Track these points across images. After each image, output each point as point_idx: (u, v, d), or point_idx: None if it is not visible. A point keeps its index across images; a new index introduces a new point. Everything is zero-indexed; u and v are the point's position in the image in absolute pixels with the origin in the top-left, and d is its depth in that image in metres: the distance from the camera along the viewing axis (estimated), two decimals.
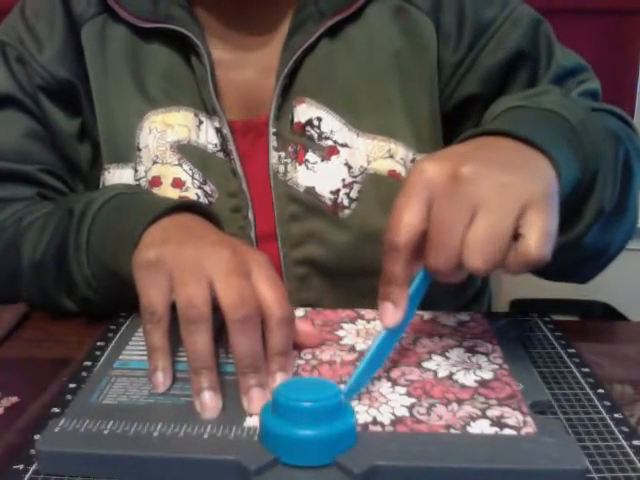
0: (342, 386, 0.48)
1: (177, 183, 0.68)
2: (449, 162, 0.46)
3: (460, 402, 0.46)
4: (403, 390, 0.48)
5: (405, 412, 0.45)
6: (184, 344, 0.46)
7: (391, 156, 0.68)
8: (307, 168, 0.68)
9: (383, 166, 0.68)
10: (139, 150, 0.69)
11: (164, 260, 0.49)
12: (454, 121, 0.71)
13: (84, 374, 0.52)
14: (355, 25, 0.69)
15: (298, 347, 0.53)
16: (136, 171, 0.69)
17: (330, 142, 0.68)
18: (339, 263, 0.69)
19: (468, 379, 0.49)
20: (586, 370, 0.53)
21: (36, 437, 0.43)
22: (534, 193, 0.45)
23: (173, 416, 0.45)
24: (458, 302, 0.78)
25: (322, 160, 0.68)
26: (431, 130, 0.70)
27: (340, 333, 0.56)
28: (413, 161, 0.69)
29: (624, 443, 0.44)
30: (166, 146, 0.68)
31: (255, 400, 0.45)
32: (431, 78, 0.69)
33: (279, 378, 0.47)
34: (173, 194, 0.68)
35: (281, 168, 0.68)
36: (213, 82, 0.68)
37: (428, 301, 0.69)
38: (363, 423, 0.44)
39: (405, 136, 0.69)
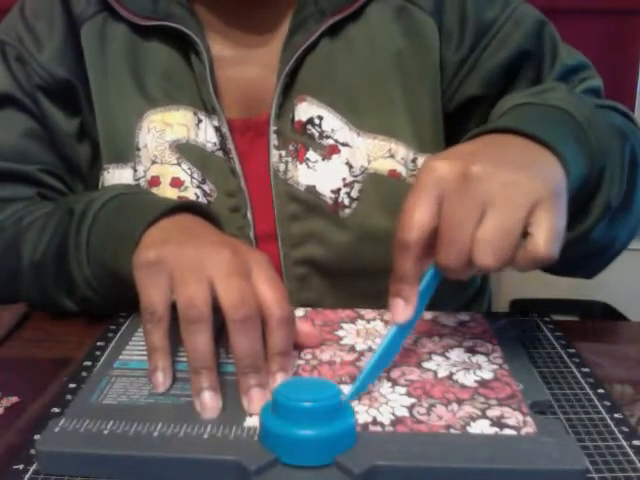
0: (342, 386, 0.48)
1: (176, 182, 0.68)
2: (459, 161, 0.46)
3: (460, 402, 0.46)
4: (403, 390, 0.48)
5: (405, 412, 0.45)
6: (184, 344, 0.46)
7: (392, 156, 0.68)
8: (308, 167, 0.68)
9: (384, 166, 0.68)
10: (138, 150, 0.69)
11: (164, 260, 0.49)
12: (457, 121, 0.71)
13: (84, 374, 0.52)
14: (356, 24, 0.69)
15: (298, 347, 0.53)
16: (135, 171, 0.69)
17: (331, 141, 0.68)
18: (339, 263, 0.68)
19: (468, 379, 0.49)
20: (586, 370, 0.53)
21: (36, 437, 0.43)
22: (543, 192, 0.45)
23: (173, 416, 0.45)
24: (458, 302, 0.78)
25: (323, 159, 0.68)
26: (433, 130, 0.70)
27: (340, 333, 0.56)
28: (414, 161, 0.69)
29: (624, 443, 0.44)
30: (165, 145, 0.68)
31: (255, 400, 0.45)
32: (433, 78, 0.69)
33: (279, 378, 0.47)
34: (172, 194, 0.68)
35: (281, 167, 0.68)
36: (212, 80, 0.67)
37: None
38: (363, 423, 0.44)
39: (406, 136, 0.69)
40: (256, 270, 0.49)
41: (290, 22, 0.68)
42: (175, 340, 0.49)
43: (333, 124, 0.68)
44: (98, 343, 0.56)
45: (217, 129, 0.69)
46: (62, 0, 0.71)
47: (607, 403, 0.48)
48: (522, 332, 0.59)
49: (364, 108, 0.68)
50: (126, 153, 0.70)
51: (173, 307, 0.48)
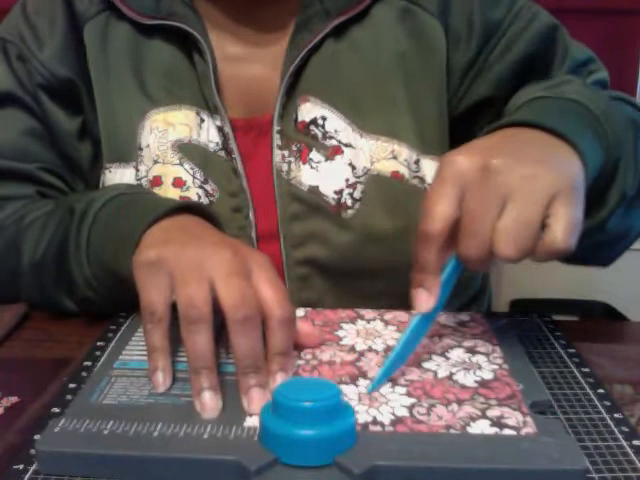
0: (342, 386, 0.48)
1: (178, 183, 0.68)
2: (479, 154, 0.48)
3: (460, 402, 0.46)
4: (403, 390, 0.48)
5: (405, 412, 0.45)
6: (184, 344, 0.46)
7: (394, 157, 0.68)
8: (311, 167, 0.68)
9: (386, 167, 0.68)
10: (140, 150, 0.69)
11: (165, 260, 0.49)
12: (467, 124, 0.71)
13: (84, 374, 0.52)
14: (360, 26, 0.69)
15: (298, 347, 0.53)
16: (137, 170, 0.69)
17: (334, 142, 0.68)
18: (341, 263, 0.68)
19: (468, 379, 0.49)
20: (586, 370, 0.53)
21: (36, 437, 0.43)
22: (561, 185, 0.46)
23: (173, 416, 0.45)
24: (458, 302, 0.78)
25: (326, 160, 0.68)
26: (437, 132, 0.70)
27: (340, 333, 0.56)
28: (417, 162, 0.69)
29: (624, 443, 0.44)
30: (167, 145, 0.68)
31: (255, 400, 0.45)
32: (439, 81, 0.69)
33: (279, 378, 0.47)
34: (174, 194, 0.68)
35: (284, 167, 0.68)
36: (215, 79, 0.67)
37: None
38: (363, 423, 0.44)
39: (409, 137, 0.69)
40: (256, 270, 0.49)
41: (294, 21, 0.68)
42: (175, 340, 0.49)
43: (336, 125, 0.68)
44: (98, 343, 0.56)
45: (219, 129, 0.68)
46: None
47: (607, 403, 0.48)
48: (522, 332, 0.59)
49: (367, 109, 0.68)
50: (128, 153, 0.70)
51: (173, 307, 0.48)
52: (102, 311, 0.62)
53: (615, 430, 0.45)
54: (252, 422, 0.44)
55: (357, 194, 0.68)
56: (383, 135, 0.68)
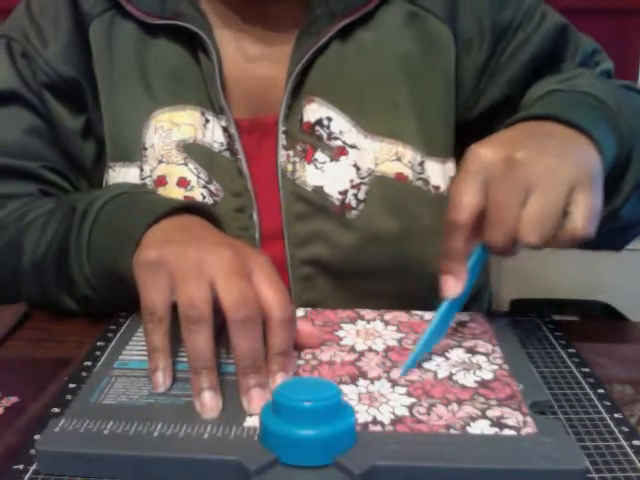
0: (342, 386, 0.48)
1: (182, 182, 0.68)
2: (503, 147, 0.50)
3: (460, 402, 0.46)
4: (403, 390, 0.48)
5: (405, 412, 0.45)
6: (185, 344, 0.46)
7: (399, 159, 0.68)
8: (316, 167, 0.68)
9: (390, 169, 0.68)
10: (145, 149, 0.69)
11: (166, 260, 0.49)
12: (485, 126, 0.71)
13: (84, 374, 0.52)
14: (366, 28, 0.69)
15: (299, 347, 0.53)
16: (142, 170, 0.69)
17: (339, 142, 0.68)
18: (344, 264, 0.68)
19: (468, 379, 0.49)
20: (586, 370, 0.53)
21: (36, 437, 0.43)
22: (581, 175, 0.49)
23: (173, 416, 0.45)
24: None
25: (331, 160, 0.68)
26: (442, 135, 0.70)
27: (340, 334, 0.56)
28: (421, 164, 0.69)
29: (624, 443, 0.44)
30: (172, 145, 0.68)
31: (255, 400, 0.45)
32: (446, 84, 0.70)
33: (279, 378, 0.47)
34: (178, 193, 0.68)
35: (289, 167, 0.68)
36: (221, 80, 0.67)
37: (428, 301, 0.69)
38: (363, 423, 0.44)
39: (413, 139, 0.69)
40: (257, 271, 0.49)
41: (300, 22, 0.68)
42: (175, 340, 0.49)
43: (341, 126, 0.68)
44: (98, 343, 0.56)
45: (225, 129, 0.68)
46: None
47: (607, 403, 0.48)
48: (522, 332, 0.59)
49: (372, 111, 0.68)
50: (132, 152, 0.69)
51: (174, 307, 0.48)
52: (102, 311, 0.62)
53: (615, 430, 0.45)
54: (252, 422, 0.44)
55: (361, 195, 0.68)
56: (387, 137, 0.68)
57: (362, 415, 0.44)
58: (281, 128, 0.68)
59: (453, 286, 0.51)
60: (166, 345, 0.48)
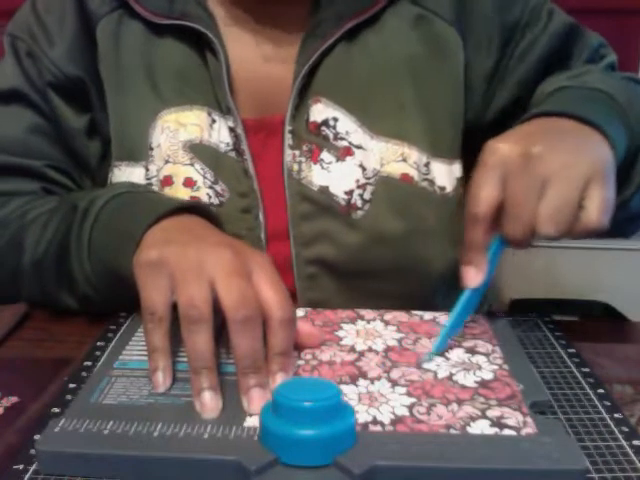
0: (342, 386, 0.48)
1: (188, 183, 0.68)
2: (520, 142, 0.52)
3: (460, 402, 0.46)
4: (403, 390, 0.48)
5: (405, 411, 0.45)
6: (185, 344, 0.46)
7: (404, 160, 0.68)
8: (322, 167, 0.68)
9: (396, 169, 0.68)
10: (151, 149, 0.69)
11: (166, 261, 0.49)
12: (500, 126, 0.71)
13: (84, 374, 0.52)
14: (372, 29, 0.69)
15: (299, 347, 0.53)
16: (147, 170, 0.69)
17: (345, 143, 0.68)
18: (349, 263, 0.69)
19: (468, 380, 0.49)
20: (586, 370, 0.53)
21: (36, 437, 0.43)
22: (595, 170, 0.52)
23: (173, 416, 0.45)
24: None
25: (337, 160, 0.68)
26: (449, 136, 0.70)
27: (340, 334, 0.56)
28: (427, 165, 0.69)
29: (624, 443, 0.44)
30: (178, 145, 0.68)
31: (255, 400, 0.45)
32: (454, 86, 0.70)
33: (279, 378, 0.47)
34: (184, 194, 0.68)
35: (295, 166, 0.68)
36: (228, 80, 0.67)
37: (428, 301, 0.69)
38: (363, 423, 0.44)
39: (419, 140, 0.69)
40: (257, 271, 0.49)
41: (307, 23, 0.68)
42: (175, 340, 0.49)
43: (348, 126, 0.68)
44: (98, 343, 0.56)
45: (231, 130, 0.68)
46: None
47: (607, 403, 0.48)
48: (522, 332, 0.59)
49: (378, 112, 0.69)
50: (138, 152, 0.69)
51: (174, 307, 0.48)
52: (102, 310, 0.62)
53: (615, 430, 0.45)
54: (252, 422, 0.44)
55: (367, 195, 0.68)
56: (393, 138, 0.68)
57: (362, 415, 0.44)
58: (287, 128, 0.68)
59: (474, 276, 0.53)
60: (166, 345, 0.48)
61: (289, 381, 0.45)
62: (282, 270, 0.68)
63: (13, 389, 0.52)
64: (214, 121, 0.68)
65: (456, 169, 0.71)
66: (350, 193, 0.68)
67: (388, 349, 0.54)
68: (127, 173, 0.70)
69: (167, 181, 0.68)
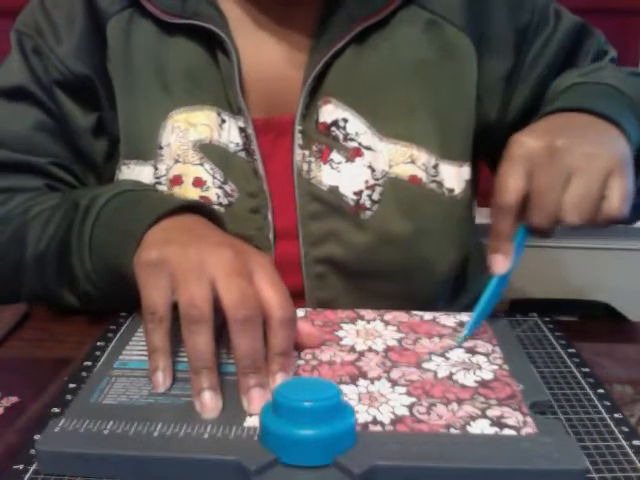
0: (342, 386, 0.48)
1: (198, 182, 0.68)
2: (545, 136, 0.55)
3: (460, 402, 0.46)
4: (403, 390, 0.48)
5: (405, 411, 0.45)
6: (185, 344, 0.46)
7: (413, 161, 0.68)
8: (332, 167, 0.68)
9: (404, 171, 0.68)
10: (160, 148, 0.69)
11: (167, 260, 0.49)
12: (522, 125, 0.71)
13: (84, 374, 0.52)
14: (383, 32, 0.69)
15: (299, 347, 0.53)
16: (156, 169, 0.69)
17: (355, 144, 0.68)
18: (357, 263, 0.69)
19: (468, 379, 0.49)
20: (586, 370, 0.53)
21: (36, 437, 0.43)
22: (615, 162, 0.54)
23: (173, 416, 0.45)
24: (458, 302, 0.78)
25: (347, 161, 0.68)
26: (460, 139, 0.71)
27: (340, 334, 0.56)
28: (435, 167, 0.69)
29: (624, 443, 0.44)
30: (188, 145, 0.68)
31: (255, 400, 0.45)
32: (465, 91, 0.70)
33: (280, 378, 0.47)
34: (194, 193, 0.68)
35: (305, 166, 0.68)
36: (239, 80, 0.67)
37: (428, 301, 0.69)
38: (363, 423, 0.44)
39: (428, 143, 0.69)
40: (258, 271, 0.49)
41: (318, 25, 0.68)
42: (175, 340, 0.49)
43: (357, 127, 0.68)
44: (98, 343, 0.56)
45: (242, 130, 0.68)
46: None
47: (607, 403, 0.48)
48: (522, 332, 0.59)
49: (387, 114, 0.69)
50: (147, 151, 0.69)
51: (174, 307, 0.48)
52: (103, 308, 0.62)
53: (615, 430, 0.45)
54: (252, 422, 0.44)
55: (375, 196, 0.68)
56: (401, 140, 0.69)
57: (362, 415, 0.44)
58: (298, 127, 0.68)
59: (502, 263, 0.55)
60: (166, 345, 0.48)
61: (289, 381, 0.45)
62: (291, 269, 0.68)
63: (13, 389, 0.52)
64: (224, 121, 0.68)
65: (465, 172, 0.71)
66: (359, 194, 0.68)
67: (388, 349, 0.54)
68: (136, 172, 0.70)
69: (176, 181, 0.68)
